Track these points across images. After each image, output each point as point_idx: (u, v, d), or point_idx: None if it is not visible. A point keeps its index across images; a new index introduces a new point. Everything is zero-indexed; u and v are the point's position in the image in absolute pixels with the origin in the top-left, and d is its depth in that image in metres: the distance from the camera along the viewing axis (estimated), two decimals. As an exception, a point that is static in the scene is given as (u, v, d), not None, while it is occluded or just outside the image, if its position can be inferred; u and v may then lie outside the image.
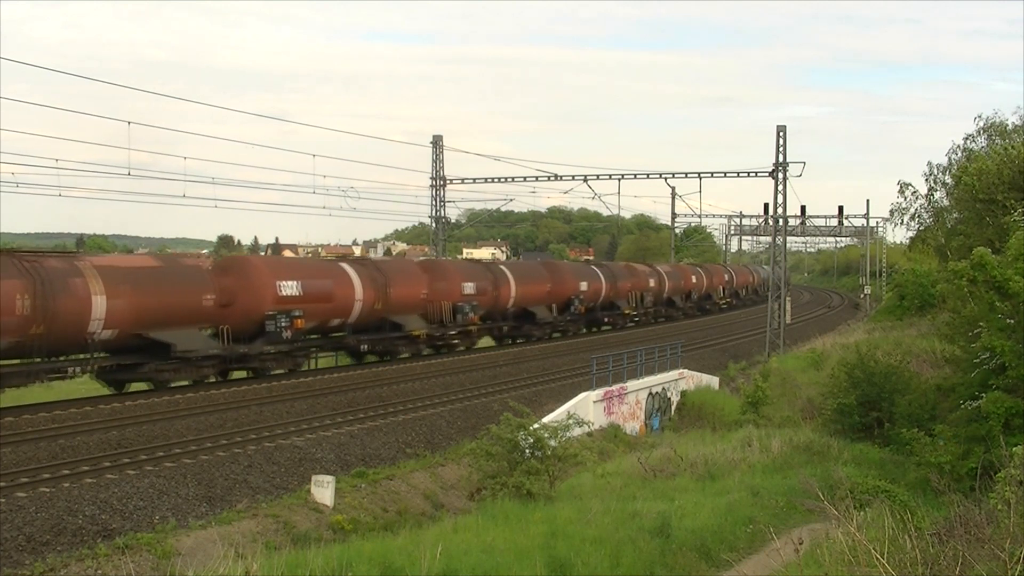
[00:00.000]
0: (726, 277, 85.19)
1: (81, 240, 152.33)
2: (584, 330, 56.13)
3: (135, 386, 29.38)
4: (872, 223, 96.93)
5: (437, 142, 58.89)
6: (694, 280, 74.22)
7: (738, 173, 57.31)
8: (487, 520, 16.96)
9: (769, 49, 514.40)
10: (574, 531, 15.84)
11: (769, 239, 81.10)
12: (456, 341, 42.72)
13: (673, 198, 77.23)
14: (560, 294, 51.29)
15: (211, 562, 12.41)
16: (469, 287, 42.56)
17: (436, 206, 59.34)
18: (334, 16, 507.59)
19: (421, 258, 58.57)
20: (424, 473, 22.49)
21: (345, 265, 37.45)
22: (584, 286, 53.70)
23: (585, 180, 59.57)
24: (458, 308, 41.31)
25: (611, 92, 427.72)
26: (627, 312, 59.67)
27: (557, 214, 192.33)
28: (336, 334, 36.26)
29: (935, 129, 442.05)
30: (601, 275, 57.13)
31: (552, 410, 27.95)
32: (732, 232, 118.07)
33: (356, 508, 19.43)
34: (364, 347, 37.06)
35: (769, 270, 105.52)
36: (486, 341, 47.97)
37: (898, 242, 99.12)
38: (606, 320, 58.27)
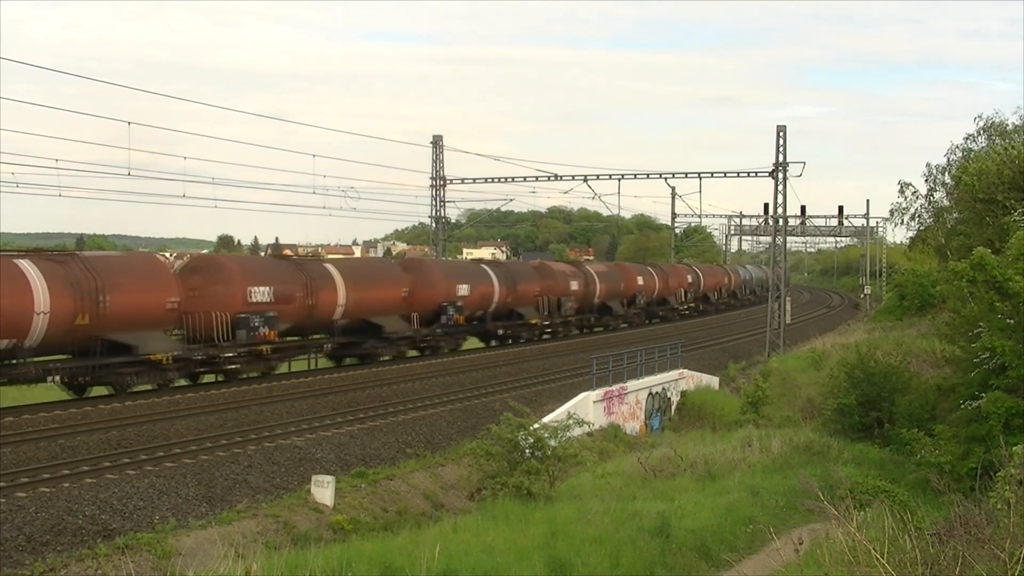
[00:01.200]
0: (689, 278, 72.92)
1: (81, 240, 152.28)
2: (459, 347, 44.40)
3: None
4: (872, 223, 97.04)
5: (437, 142, 58.91)
6: (640, 282, 62.21)
7: (738, 173, 57.33)
8: (487, 520, 16.97)
9: (769, 49, 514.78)
10: (574, 531, 15.84)
11: (769, 239, 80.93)
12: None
13: (673, 198, 77.27)
14: (422, 302, 39.84)
15: (211, 562, 12.42)
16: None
17: (436, 206, 59.36)
18: (334, 16, 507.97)
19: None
20: (424, 473, 22.49)
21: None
22: (464, 290, 42.36)
23: (585, 180, 59.59)
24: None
25: (611, 92, 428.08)
26: (533, 322, 47.92)
27: (557, 214, 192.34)
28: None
29: (935, 129, 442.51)
30: (493, 277, 45.34)
31: (552, 410, 27.94)
32: (732, 232, 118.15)
33: (356, 508, 19.43)
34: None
35: (752, 270, 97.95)
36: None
37: (898, 242, 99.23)
38: (500, 332, 46.24)
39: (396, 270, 41.11)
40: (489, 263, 50.47)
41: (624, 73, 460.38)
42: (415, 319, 39.17)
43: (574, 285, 52.49)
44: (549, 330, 50.40)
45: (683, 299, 70.34)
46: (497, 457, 19.42)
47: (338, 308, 34.92)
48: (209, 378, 31.55)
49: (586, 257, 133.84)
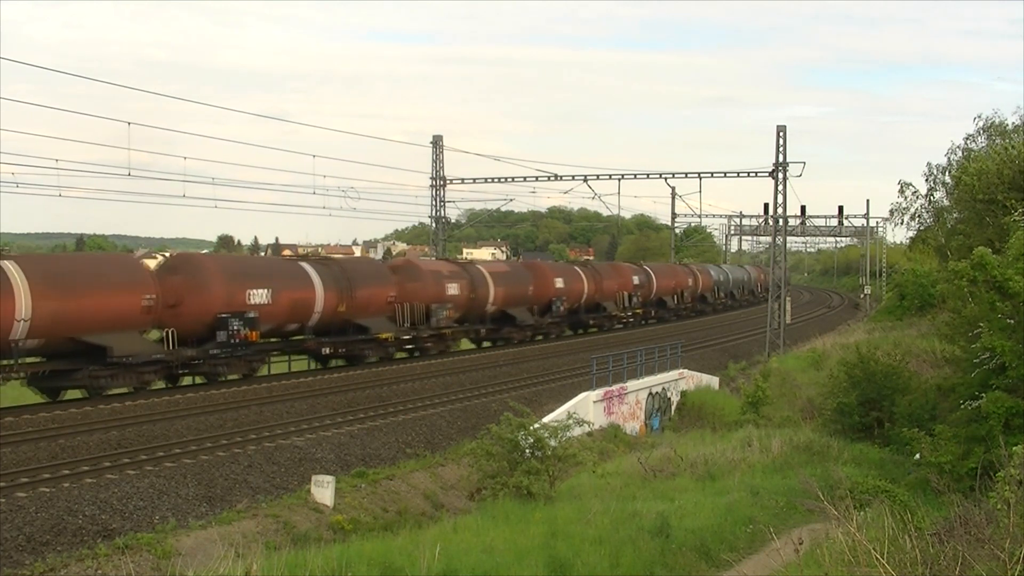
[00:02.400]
0: (636, 280, 61.19)
1: (81, 240, 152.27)
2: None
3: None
4: (872, 223, 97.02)
5: (437, 142, 58.91)
6: (560, 285, 51.09)
7: (738, 173, 57.32)
8: (487, 520, 16.97)
9: (769, 49, 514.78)
10: (574, 531, 15.84)
11: (769, 239, 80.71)
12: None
13: (673, 198, 77.24)
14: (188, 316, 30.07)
15: (211, 562, 12.42)
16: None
17: (436, 206, 59.35)
18: (335, 16, 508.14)
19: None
20: (424, 473, 22.49)
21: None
22: (262, 297, 31.57)
23: (585, 180, 59.58)
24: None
25: (611, 92, 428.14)
26: (384, 336, 36.57)
27: (557, 214, 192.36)
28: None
29: (935, 129, 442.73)
30: (316, 280, 34.16)
31: (552, 410, 27.95)
32: (732, 232, 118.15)
33: (356, 508, 19.43)
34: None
35: (730, 270, 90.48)
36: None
37: (898, 242, 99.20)
38: (327, 351, 35.25)
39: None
40: (315, 260, 36.48)
41: (624, 73, 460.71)
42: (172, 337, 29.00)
43: (453, 289, 40.96)
44: (410, 345, 39.22)
45: (625, 304, 58.78)
46: (497, 457, 19.42)
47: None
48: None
49: (586, 257, 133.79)
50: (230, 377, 30.69)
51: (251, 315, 30.62)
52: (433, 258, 53.32)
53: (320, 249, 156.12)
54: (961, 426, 19.12)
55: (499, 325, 46.71)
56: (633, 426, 32.87)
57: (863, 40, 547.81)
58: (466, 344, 45.99)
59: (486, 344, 47.18)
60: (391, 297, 37.82)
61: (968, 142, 47.50)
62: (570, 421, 21.13)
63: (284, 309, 32.44)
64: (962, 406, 19.35)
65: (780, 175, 53.13)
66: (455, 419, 27.63)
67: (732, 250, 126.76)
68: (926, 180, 50.66)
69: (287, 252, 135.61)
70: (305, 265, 34.91)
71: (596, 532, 15.72)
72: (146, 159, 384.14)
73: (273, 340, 33.63)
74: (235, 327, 30.00)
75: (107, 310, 26.51)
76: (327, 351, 35.24)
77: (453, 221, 72.86)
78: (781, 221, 55.48)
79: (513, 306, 47.17)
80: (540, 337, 50.55)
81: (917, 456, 21.64)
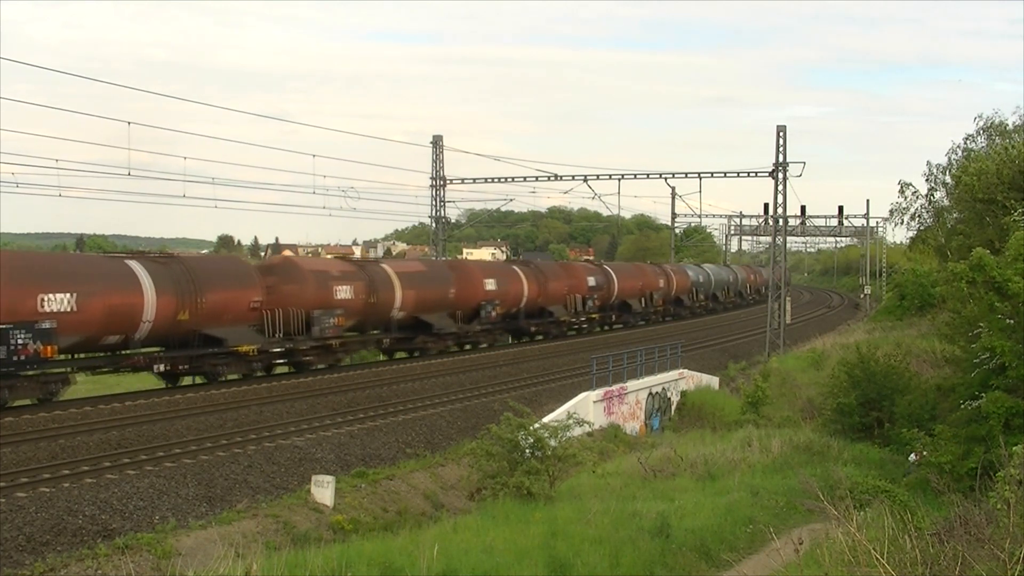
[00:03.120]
0: (591, 281, 54.68)
1: (81, 240, 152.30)
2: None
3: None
4: (872, 223, 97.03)
5: (437, 142, 58.91)
6: (491, 287, 44.13)
7: (738, 173, 57.31)
8: (487, 520, 16.97)
9: (769, 49, 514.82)
10: (574, 531, 15.84)
11: (769, 239, 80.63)
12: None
13: (673, 198, 77.23)
14: None
15: (211, 562, 12.42)
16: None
17: (436, 206, 59.35)
18: (336, 16, 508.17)
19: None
20: (424, 473, 22.49)
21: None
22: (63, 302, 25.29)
23: (585, 180, 59.57)
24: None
25: (611, 92, 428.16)
26: (243, 350, 30.62)
27: (557, 214, 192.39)
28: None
29: (935, 129, 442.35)
30: (146, 282, 27.86)
31: (552, 410, 27.95)
32: (732, 232, 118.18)
33: (356, 508, 19.44)
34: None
35: (713, 270, 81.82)
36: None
37: (898, 242, 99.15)
38: (162, 368, 29.48)
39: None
40: (149, 258, 30.49)
41: (624, 73, 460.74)
42: None
43: (344, 292, 34.93)
44: (282, 359, 33.10)
45: (577, 309, 52.44)
46: (497, 457, 19.42)
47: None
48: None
49: (586, 257, 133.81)
50: (17, 403, 25.02)
51: (45, 325, 24.70)
52: (315, 257, 51.25)
53: (320, 249, 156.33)
54: (961, 426, 19.14)
55: (412, 334, 39.78)
56: (633, 426, 32.87)
57: (864, 40, 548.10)
58: (373, 356, 40.52)
59: (403, 355, 40.75)
60: (255, 303, 31.22)
61: (968, 142, 47.57)
62: (570, 421, 21.12)
63: (97, 318, 26.18)
64: (962, 406, 19.37)
65: (780, 175, 53.13)
66: (455, 419, 27.63)
67: (732, 250, 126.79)
68: (926, 180, 50.72)
69: (287, 252, 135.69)
70: (132, 263, 28.25)
71: (596, 532, 15.73)
72: (146, 159, 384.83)
73: (84, 356, 27.52)
74: (20, 341, 24.08)
75: None
76: (162, 368, 29.07)
77: (453, 221, 72.89)
78: (781, 221, 55.48)
79: (429, 312, 40.07)
80: (468, 347, 44.34)
81: (912, 456, 21.70)
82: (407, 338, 40.01)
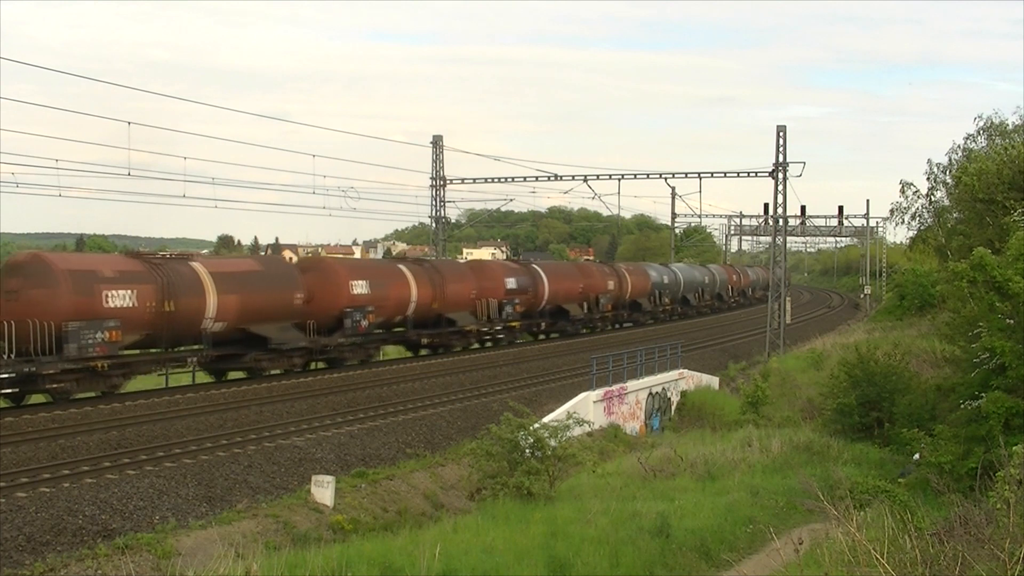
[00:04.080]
0: (510, 284, 46.32)
1: (81, 240, 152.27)
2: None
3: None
4: (872, 223, 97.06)
5: (437, 142, 58.91)
6: (360, 290, 36.06)
7: (738, 173, 57.32)
8: (487, 520, 16.97)
9: (770, 49, 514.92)
10: (574, 531, 15.85)
11: (769, 239, 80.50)
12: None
13: (673, 198, 77.19)
14: None
15: (211, 562, 12.43)
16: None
17: (436, 206, 59.35)
18: (337, 16, 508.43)
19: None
20: (424, 473, 22.50)
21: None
22: None
23: (585, 180, 59.58)
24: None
25: (612, 92, 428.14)
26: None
27: (557, 214, 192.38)
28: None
29: (936, 129, 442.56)
30: None
31: (552, 410, 27.95)
32: (732, 232, 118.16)
33: (356, 508, 19.44)
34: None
35: (683, 270, 72.40)
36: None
37: (898, 242, 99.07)
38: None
39: None
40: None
41: (625, 73, 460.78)
42: None
43: (120, 298, 27.11)
44: (9, 389, 25.11)
45: (491, 316, 43.95)
46: (497, 457, 19.42)
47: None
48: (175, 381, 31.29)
49: (586, 257, 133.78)
50: None
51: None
52: (92, 253, 41.98)
53: (320, 249, 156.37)
54: (961, 426, 19.13)
55: (240, 349, 31.76)
56: (633, 426, 32.87)
57: (864, 40, 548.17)
58: (180, 379, 32.71)
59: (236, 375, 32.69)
60: None
61: (968, 142, 47.56)
62: (570, 421, 21.13)
63: None
64: (962, 406, 19.37)
65: (780, 175, 53.13)
66: (455, 419, 27.63)
67: (732, 250, 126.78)
68: (927, 179, 50.71)
69: (287, 252, 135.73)
70: None
71: (596, 532, 15.73)
72: (146, 159, 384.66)
73: None
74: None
75: None
76: None
77: (453, 221, 72.93)
78: (781, 221, 55.48)
79: (263, 322, 31.82)
80: (323, 365, 35.71)
81: (916, 456, 21.70)
82: (234, 355, 31.65)
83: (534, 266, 51.46)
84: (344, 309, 34.96)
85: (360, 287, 36.02)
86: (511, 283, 46.22)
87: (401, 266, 40.86)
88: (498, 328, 45.05)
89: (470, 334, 43.14)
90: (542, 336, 51.93)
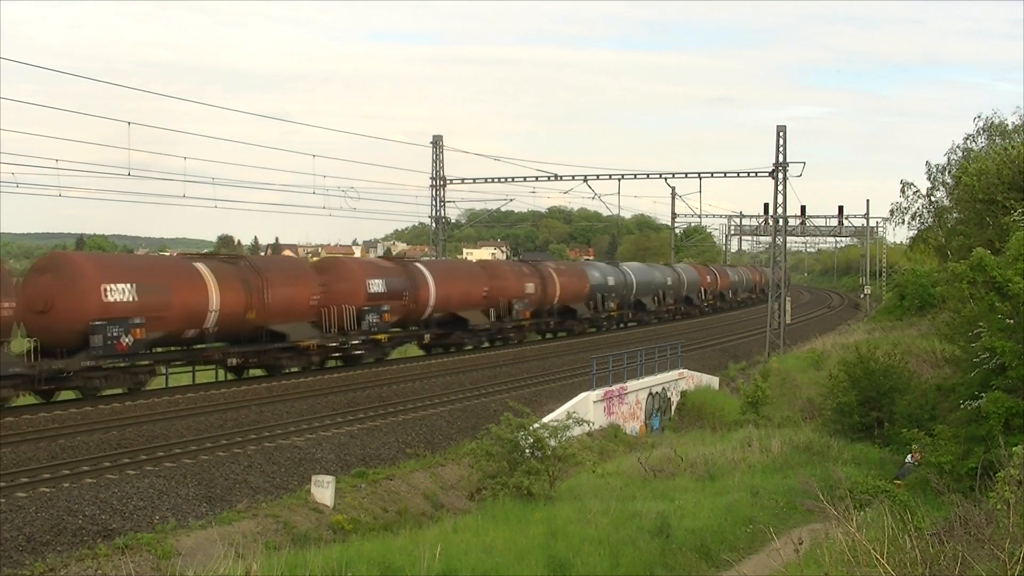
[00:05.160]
0: (375, 287, 36.49)
1: (81, 240, 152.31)
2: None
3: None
4: (872, 223, 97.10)
5: (437, 142, 58.92)
6: (120, 296, 26.58)
7: (738, 173, 57.33)
8: (487, 520, 16.98)
9: (770, 49, 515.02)
10: (574, 531, 15.85)
11: (769, 239, 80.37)
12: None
13: (673, 198, 77.11)
14: None
15: (211, 562, 12.43)
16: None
17: (436, 206, 59.35)
18: (338, 16, 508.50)
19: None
20: (424, 473, 22.50)
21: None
22: None
23: (585, 180, 59.58)
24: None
25: (612, 92, 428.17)
26: None
27: (557, 214, 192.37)
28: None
29: (936, 129, 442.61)
30: None
31: (552, 410, 27.95)
32: (732, 232, 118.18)
33: (356, 508, 19.44)
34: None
35: (635, 270, 62.91)
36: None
37: (898, 242, 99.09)
38: None
39: None
40: None
41: (625, 73, 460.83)
42: None
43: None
44: None
45: (346, 327, 34.64)
46: (497, 457, 19.43)
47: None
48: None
49: (586, 257, 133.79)
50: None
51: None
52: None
53: (320, 249, 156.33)
54: (961, 426, 19.15)
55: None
56: (633, 426, 32.88)
57: (865, 40, 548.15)
58: None
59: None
60: None
61: (968, 142, 47.56)
62: (570, 421, 21.14)
63: None
64: (962, 406, 19.37)
65: (780, 175, 53.14)
66: (455, 419, 27.63)
67: (732, 250, 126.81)
68: (928, 179, 50.71)
69: (287, 252, 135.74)
70: None
71: (596, 532, 15.73)
72: (146, 159, 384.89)
73: None
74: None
75: None
76: None
77: (453, 221, 72.90)
78: (781, 221, 55.49)
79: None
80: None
81: (909, 458, 21.77)
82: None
83: (418, 265, 41.13)
84: (93, 323, 26.11)
85: (120, 293, 27.09)
86: (375, 286, 36.49)
87: (200, 265, 30.28)
88: (356, 341, 35.34)
89: (306, 351, 33.14)
90: (453, 350, 42.86)
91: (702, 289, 75.50)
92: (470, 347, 43.70)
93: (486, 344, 44.96)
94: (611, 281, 57.76)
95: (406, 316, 38.86)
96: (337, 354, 35.38)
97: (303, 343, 32.81)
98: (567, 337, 52.50)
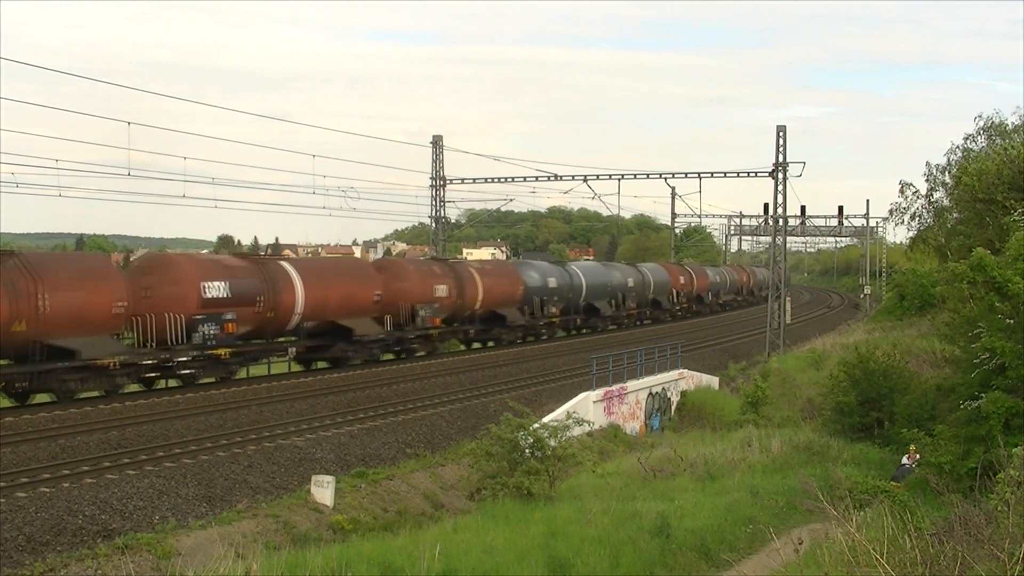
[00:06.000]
0: (214, 291, 30.17)
1: (81, 240, 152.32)
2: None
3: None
4: (872, 223, 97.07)
5: (437, 142, 58.90)
6: None
7: (738, 173, 57.30)
8: (487, 520, 16.98)
9: (771, 49, 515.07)
10: (574, 531, 15.85)
11: (769, 239, 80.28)
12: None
13: (673, 198, 77.09)
14: None
15: (211, 562, 12.43)
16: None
17: (436, 206, 59.33)
18: (338, 16, 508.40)
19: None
20: (424, 473, 22.50)
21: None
22: None
23: (585, 180, 59.56)
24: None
25: (612, 92, 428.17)
26: None
27: (557, 214, 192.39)
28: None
29: (936, 129, 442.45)
30: None
31: (552, 410, 27.95)
32: (732, 232, 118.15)
33: (356, 508, 19.44)
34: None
35: (586, 271, 56.07)
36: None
37: (898, 242, 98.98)
38: None
39: None
40: None
41: (625, 73, 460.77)
42: None
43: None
44: None
45: (175, 339, 28.98)
46: (497, 457, 19.44)
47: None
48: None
49: (586, 258, 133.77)
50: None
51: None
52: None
53: (320, 249, 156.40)
54: (961, 426, 19.14)
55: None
56: (633, 426, 32.88)
57: (865, 41, 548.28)
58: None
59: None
60: None
61: (968, 142, 47.49)
62: (569, 421, 21.14)
63: None
64: (962, 406, 19.37)
65: (780, 175, 53.13)
66: (455, 419, 27.63)
67: (732, 250, 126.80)
68: (926, 180, 50.67)
69: (287, 252, 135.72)
70: None
71: (596, 532, 15.74)
72: (146, 159, 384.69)
73: None
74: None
75: None
76: None
77: (453, 221, 72.79)
78: (781, 221, 55.48)
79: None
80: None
81: (904, 459, 21.81)
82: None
83: (283, 264, 34.94)
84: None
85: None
86: (215, 289, 30.31)
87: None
88: (187, 358, 29.53)
89: (98, 371, 26.89)
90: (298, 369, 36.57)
91: (673, 291, 68.75)
92: (359, 362, 35.76)
93: (390, 357, 38.87)
94: (552, 283, 50.56)
95: (261, 326, 32.43)
96: (153, 373, 29.34)
97: (101, 361, 26.69)
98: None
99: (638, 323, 63.39)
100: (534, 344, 48.00)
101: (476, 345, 46.31)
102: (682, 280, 71.17)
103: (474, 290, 43.46)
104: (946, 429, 19.48)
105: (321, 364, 36.29)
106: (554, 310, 50.16)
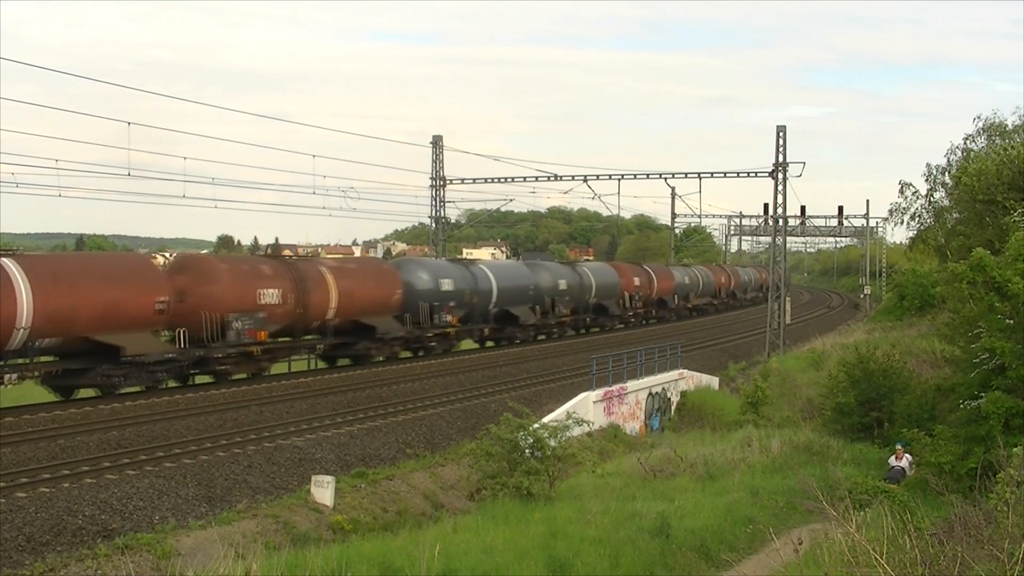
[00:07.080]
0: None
1: (81, 240, 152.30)
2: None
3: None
4: (872, 223, 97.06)
5: (437, 142, 58.89)
6: None
7: (738, 173, 57.30)
8: (487, 520, 16.98)
9: (771, 49, 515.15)
10: (574, 531, 15.85)
11: (769, 239, 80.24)
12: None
13: (673, 198, 77.08)
14: None
15: (211, 562, 12.43)
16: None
17: (436, 206, 59.31)
18: (338, 16, 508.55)
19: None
20: (424, 473, 22.50)
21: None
22: None
23: (585, 180, 59.55)
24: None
25: (612, 92, 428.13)
26: None
27: (557, 214, 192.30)
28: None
29: (936, 129, 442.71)
30: None
31: (552, 410, 27.95)
32: (732, 232, 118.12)
33: (356, 508, 19.44)
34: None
35: (499, 272, 46.70)
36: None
37: (898, 242, 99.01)
38: None
39: None
40: None
41: (625, 73, 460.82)
42: None
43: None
44: None
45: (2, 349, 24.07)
46: (497, 457, 19.44)
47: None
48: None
49: (586, 258, 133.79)
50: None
51: None
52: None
53: (320, 249, 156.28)
54: (961, 426, 19.15)
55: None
56: (633, 426, 32.87)
57: (866, 41, 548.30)
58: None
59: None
60: None
61: (968, 142, 47.51)
62: (569, 421, 21.14)
63: None
64: (962, 406, 19.37)
65: (780, 175, 53.12)
66: (455, 419, 27.63)
67: (732, 250, 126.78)
68: (926, 180, 50.70)
69: (287, 252, 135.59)
70: None
71: (596, 532, 15.74)
72: (146, 159, 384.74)
73: None
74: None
75: None
76: None
77: (453, 221, 72.77)
78: (781, 221, 55.47)
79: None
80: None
81: (891, 460, 21.86)
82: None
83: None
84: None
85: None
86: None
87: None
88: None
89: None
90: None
91: (625, 294, 58.32)
92: (138, 389, 28.22)
93: (176, 384, 30.41)
94: (447, 285, 41.43)
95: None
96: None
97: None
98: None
99: (568, 332, 52.93)
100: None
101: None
102: (636, 282, 60.41)
103: (323, 295, 34.51)
104: (946, 429, 19.48)
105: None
106: (449, 318, 41.37)
